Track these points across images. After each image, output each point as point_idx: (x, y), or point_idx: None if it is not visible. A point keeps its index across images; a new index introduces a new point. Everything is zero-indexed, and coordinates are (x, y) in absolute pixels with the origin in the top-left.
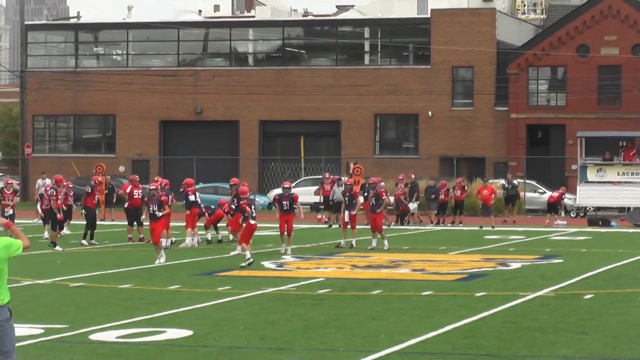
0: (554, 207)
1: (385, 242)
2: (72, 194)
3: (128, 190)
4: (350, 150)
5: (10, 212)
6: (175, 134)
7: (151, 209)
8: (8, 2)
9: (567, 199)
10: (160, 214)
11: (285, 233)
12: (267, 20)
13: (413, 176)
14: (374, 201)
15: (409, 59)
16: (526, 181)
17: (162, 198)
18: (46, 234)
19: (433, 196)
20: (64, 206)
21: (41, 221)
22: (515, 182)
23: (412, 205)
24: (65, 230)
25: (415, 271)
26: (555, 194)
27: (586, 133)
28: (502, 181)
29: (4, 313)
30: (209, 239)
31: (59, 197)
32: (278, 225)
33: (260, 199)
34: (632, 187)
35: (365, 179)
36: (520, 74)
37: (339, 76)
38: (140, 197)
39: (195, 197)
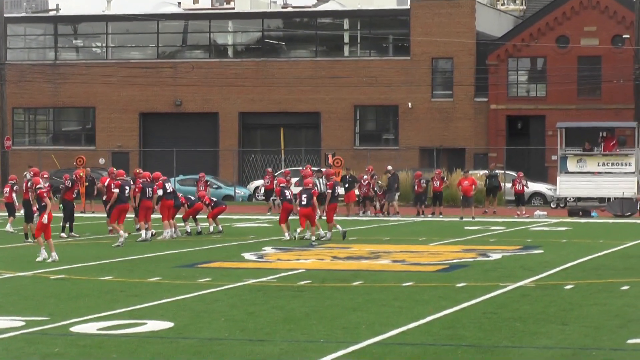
0: (520, 198)
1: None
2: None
3: (107, 183)
4: (330, 142)
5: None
6: (155, 126)
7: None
8: None
9: (547, 190)
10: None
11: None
12: (247, 12)
13: (390, 167)
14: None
15: (388, 50)
16: (506, 172)
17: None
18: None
19: (397, 185)
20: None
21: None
22: (496, 172)
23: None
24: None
25: (395, 262)
26: (520, 186)
27: (566, 124)
28: (485, 172)
29: None
30: (189, 230)
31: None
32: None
33: (241, 191)
34: (612, 177)
35: (346, 170)
36: (500, 65)
37: (318, 68)
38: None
39: (167, 189)
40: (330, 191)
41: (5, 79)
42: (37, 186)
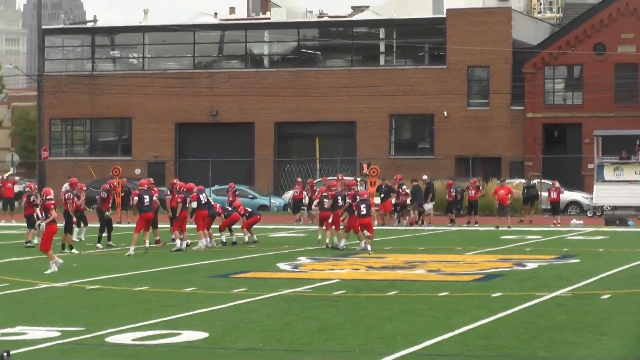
0: (556, 207)
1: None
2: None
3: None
4: (365, 151)
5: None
6: (191, 136)
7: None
8: (25, 6)
9: (583, 198)
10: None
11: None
12: (283, 22)
13: (425, 177)
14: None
15: (424, 59)
16: (542, 181)
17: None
18: (75, 236)
19: (431, 195)
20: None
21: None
22: (533, 182)
23: (427, 206)
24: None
25: (431, 272)
26: (554, 194)
27: (603, 132)
28: (521, 181)
29: None
30: (224, 240)
31: (75, 200)
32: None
33: (276, 201)
34: None
35: (382, 179)
36: (537, 73)
37: (354, 77)
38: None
39: (201, 200)
40: (349, 201)
41: (43, 90)
42: (47, 197)
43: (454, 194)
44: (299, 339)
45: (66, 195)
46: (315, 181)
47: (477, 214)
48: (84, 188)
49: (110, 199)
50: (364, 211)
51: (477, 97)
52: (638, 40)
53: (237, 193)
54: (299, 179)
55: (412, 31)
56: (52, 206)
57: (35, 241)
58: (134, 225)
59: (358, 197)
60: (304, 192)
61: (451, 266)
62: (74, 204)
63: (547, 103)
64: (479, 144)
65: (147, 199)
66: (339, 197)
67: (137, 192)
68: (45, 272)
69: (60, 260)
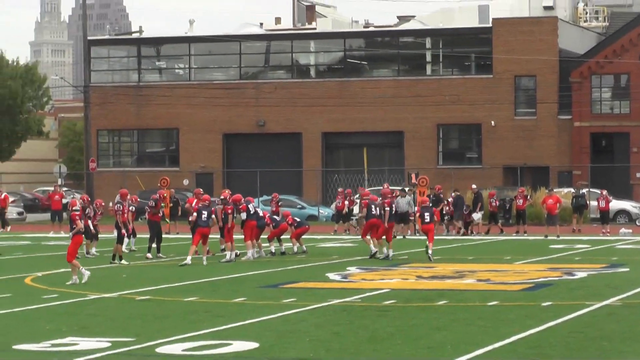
0: (605, 216)
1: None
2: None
3: (194, 204)
4: (413, 161)
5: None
6: (238, 147)
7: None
8: (71, 18)
9: (632, 207)
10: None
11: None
12: (329, 32)
13: (474, 186)
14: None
15: (470, 68)
16: (591, 189)
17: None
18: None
19: (480, 204)
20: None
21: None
22: (582, 191)
23: (477, 216)
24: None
25: (480, 281)
26: (603, 203)
27: None
28: (569, 190)
29: None
30: (273, 251)
31: (125, 211)
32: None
33: (324, 211)
34: None
35: (430, 189)
36: (583, 82)
37: (400, 87)
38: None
39: (250, 211)
40: (388, 209)
41: (89, 101)
42: (74, 208)
43: (494, 204)
44: (348, 349)
45: (116, 206)
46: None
47: (526, 223)
48: (137, 199)
49: (158, 208)
50: (427, 219)
51: (524, 107)
52: None
53: (280, 204)
54: (341, 189)
55: (458, 41)
56: (77, 217)
57: (94, 250)
58: (183, 236)
59: (421, 205)
60: (346, 202)
61: (500, 275)
62: (125, 215)
63: (595, 112)
64: (527, 153)
65: (205, 214)
66: (373, 206)
67: (196, 207)
68: (67, 283)
69: (88, 272)
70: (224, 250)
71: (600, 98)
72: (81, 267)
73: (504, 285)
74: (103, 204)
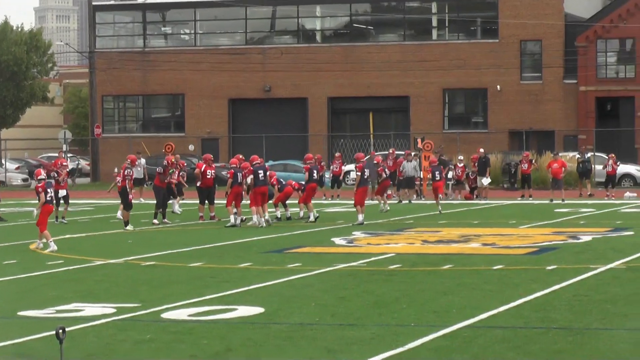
0: (611, 179)
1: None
2: (182, 172)
3: (202, 169)
4: (419, 126)
5: (64, 193)
6: (244, 112)
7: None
8: None
9: (637, 171)
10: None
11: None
12: None
13: (482, 150)
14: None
15: (476, 33)
16: (596, 154)
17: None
18: (119, 214)
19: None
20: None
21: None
22: (587, 155)
23: (486, 180)
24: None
25: (485, 245)
26: (610, 167)
27: None
28: (574, 154)
29: None
30: (279, 216)
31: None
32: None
33: (330, 176)
34: None
35: (435, 153)
36: (589, 46)
37: (406, 52)
38: (213, 176)
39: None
40: (359, 173)
41: (95, 67)
42: (39, 178)
43: (459, 172)
44: (353, 314)
45: (125, 171)
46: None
47: (531, 187)
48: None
49: (167, 174)
50: (437, 177)
51: (530, 71)
52: None
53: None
54: (338, 154)
55: (464, 5)
56: (40, 189)
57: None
58: (190, 201)
59: (431, 164)
60: (342, 168)
61: (506, 239)
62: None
63: (600, 76)
64: (532, 117)
65: (261, 173)
66: (366, 170)
67: (251, 168)
68: (45, 251)
69: (55, 247)
70: (236, 214)
71: (606, 62)
72: (51, 240)
73: (509, 249)
74: (64, 163)
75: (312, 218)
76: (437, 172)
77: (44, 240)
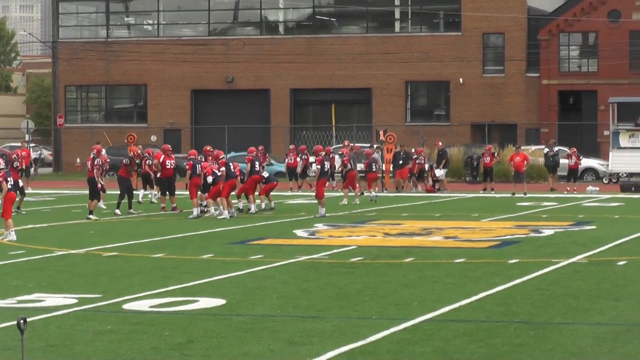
0: (573, 173)
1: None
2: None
3: (161, 160)
4: (381, 118)
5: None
6: (206, 103)
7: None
8: None
9: (599, 165)
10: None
11: None
12: None
13: (441, 143)
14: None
15: (439, 25)
16: (560, 148)
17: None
18: (101, 204)
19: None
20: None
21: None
22: (556, 149)
23: (439, 172)
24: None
25: (447, 238)
26: (572, 161)
27: (618, 99)
28: (537, 147)
29: None
30: (240, 207)
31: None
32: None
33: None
34: None
35: (400, 146)
36: (552, 39)
37: (369, 44)
38: (172, 167)
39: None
40: (319, 167)
41: (57, 57)
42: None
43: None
44: (315, 306)
45: (96, 161)
46: (332, 148)
47: (493, 180)
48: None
49: (133, 165)
50: (374, 168)
51: (493, 64)
52: None
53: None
54: (292, 146)
55: None
56: (1, 178)
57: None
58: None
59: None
60: (298, 159)
61: (468, 233)
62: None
63: (562, 70)
64: (495, 110)
65: (257, 164)
66: (326, 163)
67: (250, 158)
68: (4, 240)
69: (14, 237)
70: (205, 206)
71: (569, 56)
72: (12, 230)
73: (471, 243)
74: (23, 153)
75: (253, 209)
76: (373, 165)
77: (11, 230)
